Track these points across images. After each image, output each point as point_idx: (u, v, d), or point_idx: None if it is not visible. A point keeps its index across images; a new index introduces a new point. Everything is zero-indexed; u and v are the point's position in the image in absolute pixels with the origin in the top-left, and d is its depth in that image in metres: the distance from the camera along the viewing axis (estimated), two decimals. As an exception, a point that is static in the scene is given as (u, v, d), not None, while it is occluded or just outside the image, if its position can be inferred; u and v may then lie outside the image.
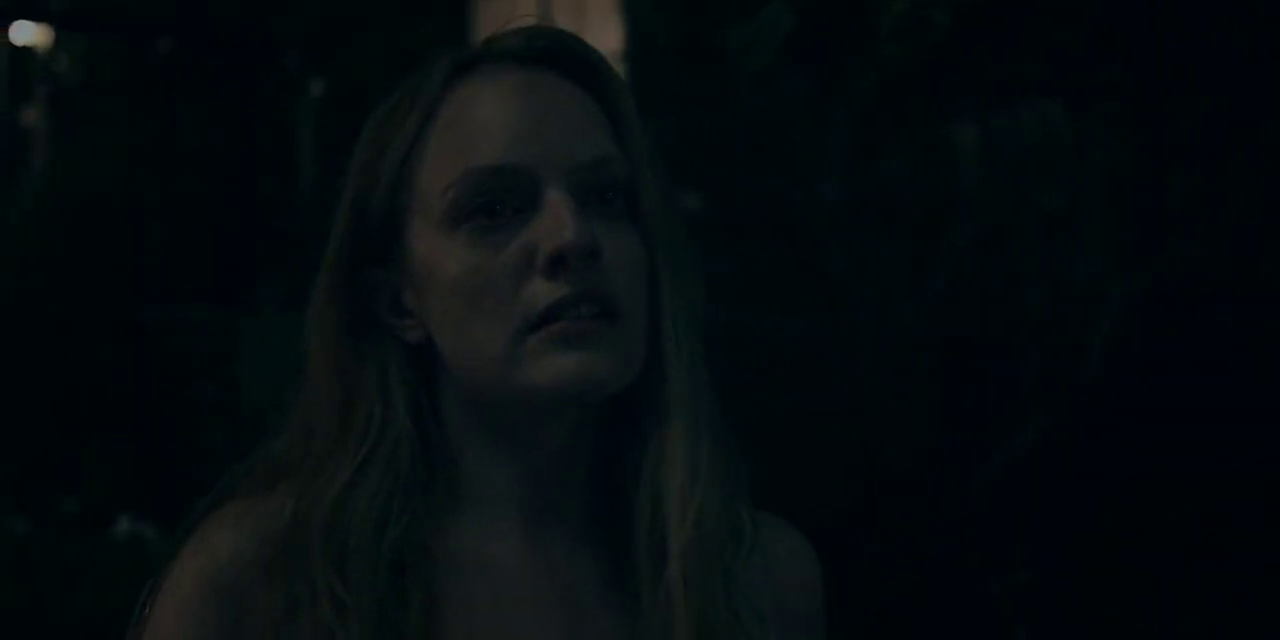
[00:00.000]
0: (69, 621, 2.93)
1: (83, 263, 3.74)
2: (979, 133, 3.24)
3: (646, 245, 0.82)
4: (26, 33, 4.46)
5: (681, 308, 0.83)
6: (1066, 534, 2.80)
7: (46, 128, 4.17)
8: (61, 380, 3.55)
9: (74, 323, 3.60)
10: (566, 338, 0.79)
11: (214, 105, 4.08)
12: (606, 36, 4.05)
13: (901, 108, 2.39)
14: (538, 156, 0.80)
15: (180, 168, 4.07)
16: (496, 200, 0.80)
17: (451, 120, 0.82)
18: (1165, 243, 2.86)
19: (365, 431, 0.82)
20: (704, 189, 2.83)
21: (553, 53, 0.84)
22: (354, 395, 0.82)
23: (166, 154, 4.09)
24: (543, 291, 0.79)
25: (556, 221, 0.79)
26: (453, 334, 0.81)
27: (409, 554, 0.80)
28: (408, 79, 0.85)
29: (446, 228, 0.81)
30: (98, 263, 3.76)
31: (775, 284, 2.75)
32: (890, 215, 2.95)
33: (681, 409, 0.82)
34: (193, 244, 4.02)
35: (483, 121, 0.81)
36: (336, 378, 0.83)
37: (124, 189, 3.97)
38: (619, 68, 0.94)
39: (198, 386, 3.45)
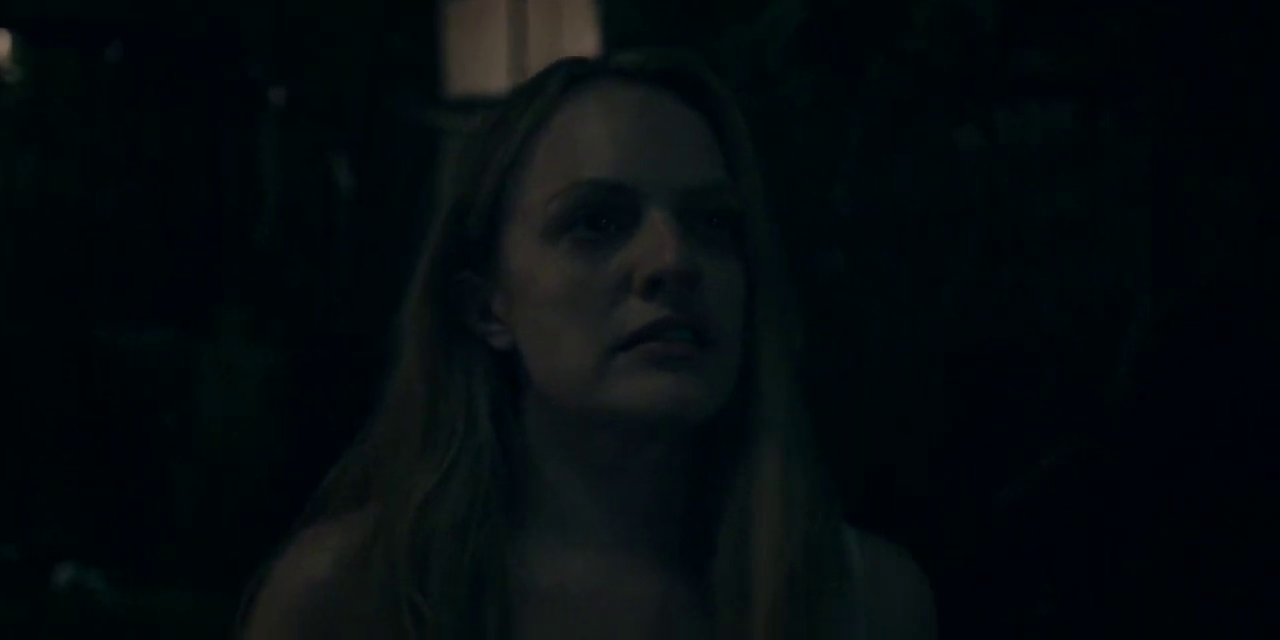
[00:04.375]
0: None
1: (28, 280, 3.56)
2: (982, 134, 3.10)
3: (749, 274, 0.84)
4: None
5: (778, 338, 0.84)
6: (1089, 566, 2.66)
7: (-9, 140, 4.01)
8: (2, 410, 3.34)
9: (17, 347, 3.40)
10: (656, 359, 0.79)
11: (172, 114, 3.92)
12: (584, 38, 3.90)
13: (923, 108, 2.23)
14: (645, 176, 0.82)
15: (135, 180, 3.90)
16: (600, 215, 0.81)
17: (561, 132, 0.83)
18: (1192, 252, 2.71)
19: (449, 439, 0.84)
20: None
21: (671, 74, 0.85)
22: (440, 399, 0.85)
23: (120, 165, 3.91)
24: (637, 312, 0.80)
25: (658, 243, 0.80)
26: (542, 344, 0.82)
27: (489, 572, 0.82)
28: (519, 88, 0.86)
29: (548, 239, 0.82)
30: (45, 280, 3.58)
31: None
32: (896, 224, 2.82)
33: (772, 439, 0.82)
34: (148, 261, 3.84)
35: (592, 136, 0.82)
36: (425, 380, 0.85)
37: (74, 202, 3.80)
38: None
39: (153, 418, 3.26)
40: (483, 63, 4.64)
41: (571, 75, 0.84)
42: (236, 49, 4.07)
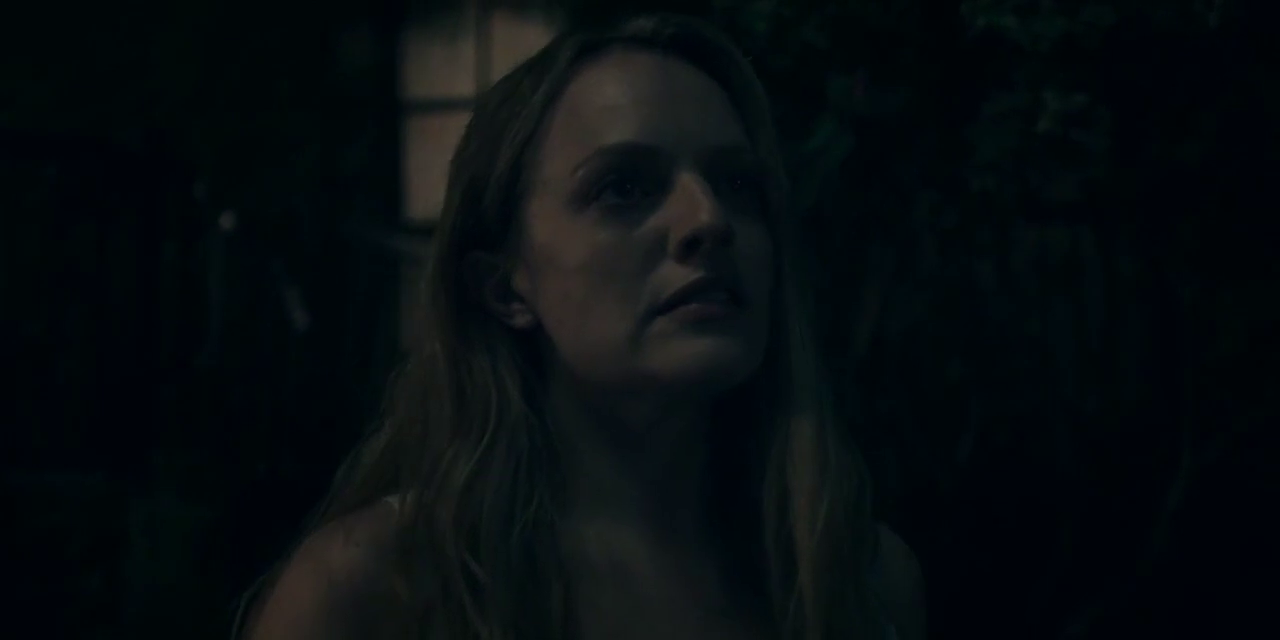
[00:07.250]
0: None
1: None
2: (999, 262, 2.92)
3: (772, 237, 0.85)
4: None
5: (803, 299, 0.86)
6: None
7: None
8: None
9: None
10: (696, 321, 0.80)
11: (110, 235, 3.66)
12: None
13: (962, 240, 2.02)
14: (671, 138, 0.83)
15: (67, 305, 3.62)
16: (627, 180, 0.82)
17: (579, 101, 0.84)
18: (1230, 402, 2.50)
19: (485, 417, 0.83)
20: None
21: (683, 40, 0.86)
22: (467, 381, 0.85)
23: (51, 288, 3.64)
24: (675, 275, 0.81)
25: (692, 204, 0.81)
26: (572, 317, 0.83)
27: (541, 548, 0.82)
28: (527, 62, 0.87)
29: (574, 208, 0.83)
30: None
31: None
32: (909, 361, 2.62)
33: (807, 403, 0.84)
34: (77, 393, 3.54)
35: (614, 102, 0.84)
36: (450, 363, 0.85)
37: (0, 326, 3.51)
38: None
39: (74, 578, 2.94)
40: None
41: (583, 45, 0.85)
42: (180, 167, 3.84)
